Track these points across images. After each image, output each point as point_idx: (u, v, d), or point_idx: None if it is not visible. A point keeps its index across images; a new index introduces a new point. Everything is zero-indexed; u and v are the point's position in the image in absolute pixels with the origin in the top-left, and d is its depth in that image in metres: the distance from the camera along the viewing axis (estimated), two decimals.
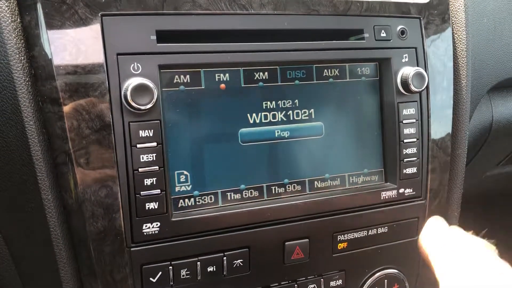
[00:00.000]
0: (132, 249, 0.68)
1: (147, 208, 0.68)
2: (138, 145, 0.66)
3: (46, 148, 0.65)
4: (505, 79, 1.12)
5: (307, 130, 0.79)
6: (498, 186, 1.60)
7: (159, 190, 0.68)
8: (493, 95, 1.18)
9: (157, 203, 0.68)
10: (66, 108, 0.64)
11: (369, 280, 0.86)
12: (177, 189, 0.71)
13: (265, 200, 0.77)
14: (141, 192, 0.67)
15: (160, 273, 0.70)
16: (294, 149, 0.78)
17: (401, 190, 0.84)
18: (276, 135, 0.77)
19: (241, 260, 0.75)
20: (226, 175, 0.75)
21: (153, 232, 0.69)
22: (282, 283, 0.79)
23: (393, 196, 0.83)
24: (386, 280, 0.87)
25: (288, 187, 0.78)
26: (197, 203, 0.73)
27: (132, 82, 0.64)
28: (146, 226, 0.68)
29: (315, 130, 0.80)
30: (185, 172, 0.72)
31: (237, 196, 0.75)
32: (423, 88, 0.81)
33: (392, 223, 0.85)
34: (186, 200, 0.72)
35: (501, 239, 2.13)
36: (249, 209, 0.74)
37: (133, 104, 0.64)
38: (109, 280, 0.68)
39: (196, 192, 0.73)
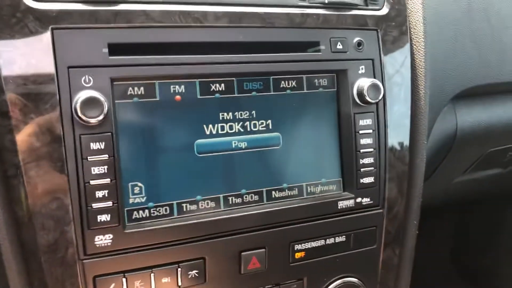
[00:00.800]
0: (84, 261, 0.68)
1: (99, 220, 0.68)
2: (89, 158, 0.67)
3: None
4: (467, 88, 1.14)
5: (264, 140, 0.80)
6: (468, 193, 1.62)
7: (111, 202, 0.68)
8: (457, 103, 1.20)
9: (109, 215, 0.68)
10: (16, 121, 0.64)
11: None
12: (131, 200, 0.72)
13: (222, 210, 0.77)
14: (93, 204, 0.67)
15: (113, 284, 0.70)
16: (251, 160, 0.79)
17: (359, 199, 0.85)
18: (233, 146, 0.78)
19: (196, 271, 0.75)
20: (182, 186, 0.75)
21: (106, 244, 0.69)
22: None
23: (351, 205, 0.85)
24: None
25: (245, 197, 0.79)
26: (152, 214, 0.73)
27: (82, 95, 0.64)
28: (98, 238, 0.68)
29: (272, 141, 0.80)
30: (139, 184, 0.72)
31: (193, 207, 0.76)
32: (379, 99, 0.82)
33: (350, 232, 0.86)
34: (141, 211, 0.73)
35: (479, 245, 2.16)
36: (205, 220, 0.75)
37: (83, 117, 0.64)
38: None
39: (150, 204, 0.73)
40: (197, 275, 0.75)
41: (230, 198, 0.78)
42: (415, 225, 0.94)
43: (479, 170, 1.43)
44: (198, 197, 0.76)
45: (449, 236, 2.32)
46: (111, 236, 0.69)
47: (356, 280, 0.89)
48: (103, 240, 0.69)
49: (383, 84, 0.84)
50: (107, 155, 0.67)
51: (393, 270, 0.93)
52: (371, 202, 0.86)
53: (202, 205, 0.76)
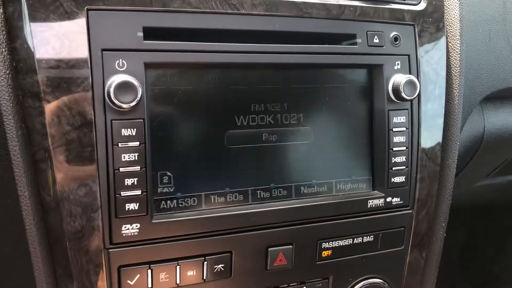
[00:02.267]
0: (110, 250, 0.67)
1: (127, 209, 0.66)
2: (120, 144, 0.65)
3: (25, 143, 0.64)
4: (498, 90, 1.11)
5: (295, 134, 0.78)
6: (488, 197, 1.59)
7: (140, 190, 0.66)
8: (486, 105, 1.17)
9: (137, 204, 0.66)
10: (47, 103, 0.62)
11: None
12: (159, 190, 0.70)
13: (250, 204, 0.75)
14: (121, 192, 0.65)
15: (138, 275, 0.68)
16: (281, 154, 0.77)
17: (389, 199, 0.83)
18: (264, 139, 0.76)
19: (222, 265, 0.73)
20: (211, 177, 0.73)
21: (132, 234, 0.67)
22: None
23: (380, 204, 0.82)
24: None
25: (274, 191, 0.77)
26: (180, 205, 0.71)
27: (116, 79, 0.62)
28: (125, 227, 0.67)
29: (303, 135, 0.78)
30: (168, 173, 0.70)
31: (221, 199, 0.74)
32: (414, 96, 0.80)
33: (378, 232, 0.83)
34: (168, 201, 0.71)
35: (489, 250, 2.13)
36: (233, 213, 0.73)
37: (116, 102, 0.62)
38: (85, 281, 0.67)
39: (179, 194, 0.71)
40: (223, 269, 0.73)
41: (258, 192, 0.76)
42: (443, 228, 0.92)
43: (503, 175, 1.40)
44: (227, 190, 0.74)
45: (459, 240, 2.29)
46: (138, 225, 0.67)
47: (381, 281, 0.87)
48: (130, 229, 0.67)
49: (418, 81, 0.81)
50: (138, 142, 0.65)
51: (418, 273, 0.91)
52: (401, 202, 0.84)
53: (230, 198, 0.74)
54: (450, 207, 0.93)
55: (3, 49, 0.62)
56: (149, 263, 0.69)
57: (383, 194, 0.82)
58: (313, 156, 0.79)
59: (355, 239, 0.82)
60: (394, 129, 0.81)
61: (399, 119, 0.82)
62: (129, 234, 0.67)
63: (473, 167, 1.25)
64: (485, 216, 2.18)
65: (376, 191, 0.83)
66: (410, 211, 0.85)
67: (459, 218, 2.00)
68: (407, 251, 0.87)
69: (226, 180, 0.74)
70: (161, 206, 0.70)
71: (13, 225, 0.65)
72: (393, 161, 0.82)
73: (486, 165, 1.31)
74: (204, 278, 0.72)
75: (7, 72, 0.62)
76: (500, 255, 2.10)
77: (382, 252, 0.85)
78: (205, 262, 0.72)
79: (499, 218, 2.04)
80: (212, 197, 0.73)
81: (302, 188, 0.79)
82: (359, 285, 0.85)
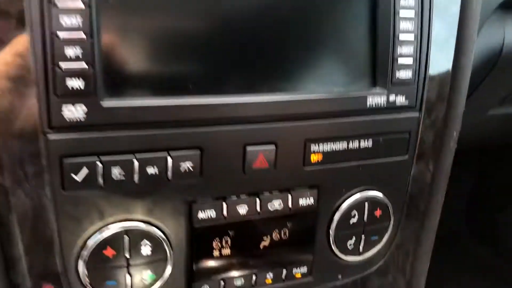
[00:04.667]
0: (48, 135, 0.54)
1: (69, 87, 0.53)
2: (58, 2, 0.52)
3: None
4: None
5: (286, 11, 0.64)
6: (501, 131, 1.46)
7: (86, 63, 0.54)
8: (507, 14, 1.03)
9: (82, 80, 0.54)
10: None
11: (347, 201, 0.73)
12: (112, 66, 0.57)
13: (225, 94, 0.62)
14: (61, 64, 0.53)
15: (86, 169, 0.57)
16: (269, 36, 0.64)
17: (392, 97, 0.70)
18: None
19: (190, 164, 0.61)
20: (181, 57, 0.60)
21: (76, 118, 0.55)
22: (241, 196, 0.66)
23: (382, 103, 0.69)
24: (366, 203, 0.74)
25: (255, 81, 0.64)
26: (139, 86, 0.58)
27: None
28: (67, 108, 0.54)
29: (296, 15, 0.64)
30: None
31: (191, 84, 0.60)
32: None
33: (378, 136, 0.71)
34: (125, 81, 0.58)
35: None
36: (204, 101, 0.60)
37: None
38: (19, 173, 0.55)
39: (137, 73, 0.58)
40: (191, 169, 0.61)
41: (236, 79, 0.63)
42: (455, 138, 0.79)
43: None
44: (199, 71, 0.61)
45: (465, 188, 2.18)
46: (84, 108, 0.55)
47: (381, 195, 0.75)
48: (73, 112, 0.54)
49: None
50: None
51: (424, 189, 0.79)
52: (407, 102, 0.71)
53: (202, 83, 0.61)
54: (460, 144, 0.81)
55: None
56: (99, 154, 0.57)
57: (386, 91, 0.69)
58: (307, 42, 0.66)
59: (351, 142, 0.70)
60: (401, 12, 0.68)
61: (407, 1, 0.68)
62: (73, 118, 0.54)
63: (488, 87, 1.11)
64: (495, 160, 2.06)
65: (377, 87, 0.70)
66: (417, 114, 0.73)
67: (466, 163, 1.88)
68: (412, 162, 0.75)
69: (200, 61, 0.61)
70: (114, 86, 0.57)
71: None
72: (398, 52, 0.69)
73: (502, 87, 1.17)
74: (169, 177, 0.60)
75: None
76: (509, 207, 2.00)
77: (382, 161, 0.73)
78: (169, 158, 0.60)
79: (509, 161, 1.93)
80: (180, 79, 0.60)
81: (290, 79, 0.66)
82: (354, 197, 0.73)
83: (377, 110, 0.70)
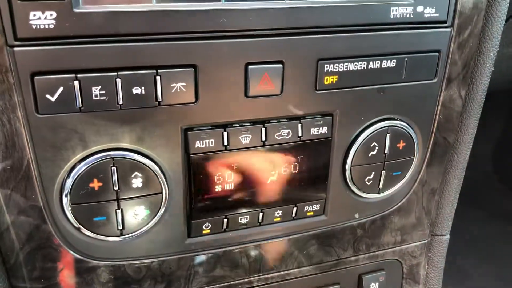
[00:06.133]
0: (15, 48, 0.47)
1: None
2: None
3: None
4: None
5: None
6: None
7: None
8: None
9: None
10: None
11: (366, 131, 0.64)
12: None
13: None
14: None
15: (62, 89, 0.49)
16: None
17: (419, 8, 0.60)
18: None
19: (183, 83, 0.53)
20: None
21: (46, 26, 0.47)
22: (244, 123, 0.58)
23: (408, 15, 0.59)
24: (388, 134, 0.65)
25: None
26: None
27: None
28: (34, 15, 0.46)
29: None
30: None
31: None
32: None
33: (403, 55, 0.61)
34: None
35: None
36: (196, 8, 0.51)
37: None
38: None
39: None
40: (183, 88, 0.53)
41: None
42: (492, 59, 0.69)
43: None
44: None
45: (494, 131, 2.07)
46: (54, 14, 0.46)
47: (405, 124, 0.66)
48: (42, 19, 0.46)
49: None
50: None
51: (454, 118, 0.70)
52: (437, 14, 0.61)
53: None
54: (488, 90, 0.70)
55: None
56: (76, 71, 0.49)
57: (412, 1, 0.59)
58: None
59: (371, 62, 0.60)
60: None
61: None
62: (42, 26, 0.46)
63: None
64: None
65: None
66: (449, 29, 0.63)
67: (495, 107, 1.76)
68: (441, 86, 0.66)
69: None
70: None
71: None
72: None
73: None
74: (159, 99, 0.53)
75: None
76: None
77: (406, 85, 0.64)
78: (158, 77, 0.52)
79: None
80: None
81: None
82: (374, 127, 0.64)
83: (401, 23, 0.60)
